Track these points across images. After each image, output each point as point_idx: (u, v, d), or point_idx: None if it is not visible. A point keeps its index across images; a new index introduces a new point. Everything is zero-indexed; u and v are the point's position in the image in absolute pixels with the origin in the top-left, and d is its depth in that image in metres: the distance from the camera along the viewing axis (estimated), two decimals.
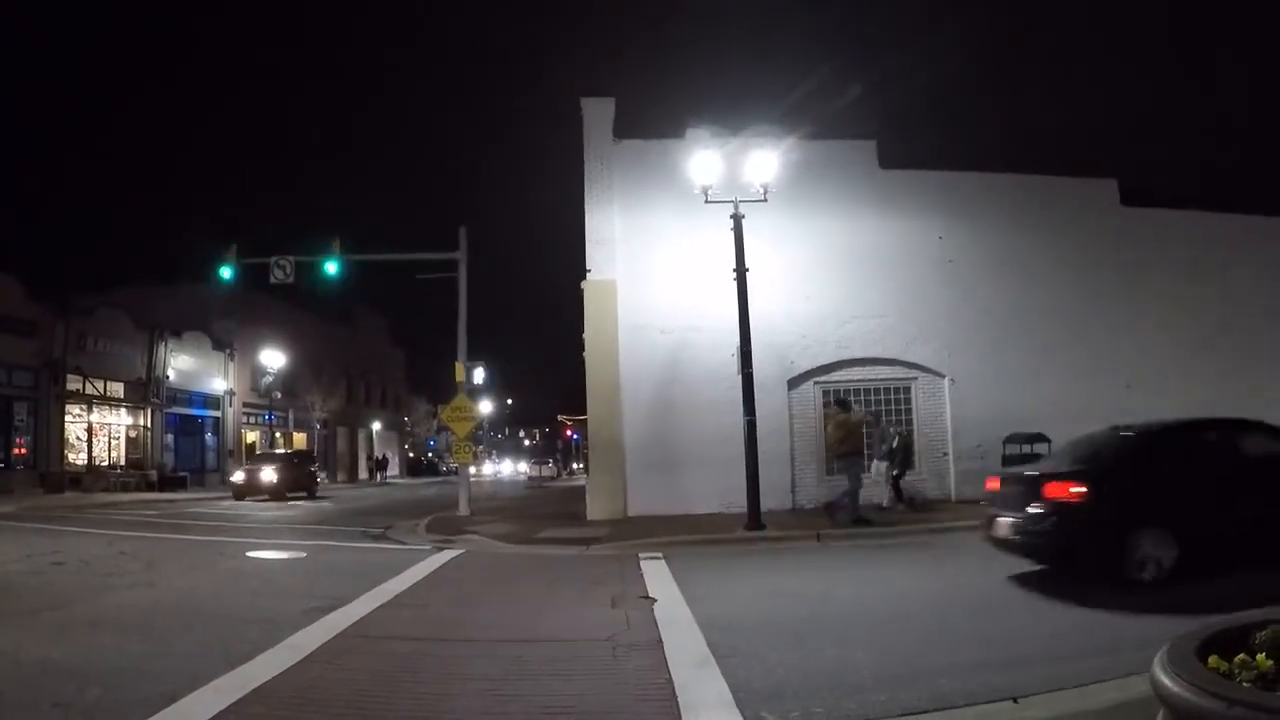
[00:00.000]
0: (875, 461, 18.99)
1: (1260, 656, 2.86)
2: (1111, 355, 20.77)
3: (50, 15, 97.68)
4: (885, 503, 18.52)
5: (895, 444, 18.87)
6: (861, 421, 17.96)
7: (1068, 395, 20.13)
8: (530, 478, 67.51)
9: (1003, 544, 10.26)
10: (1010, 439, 19.45)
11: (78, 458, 36.66)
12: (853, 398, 20.16)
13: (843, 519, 16.15)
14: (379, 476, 61.53)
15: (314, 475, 38.51)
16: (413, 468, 78.38)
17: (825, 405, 20.27)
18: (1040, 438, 19.08)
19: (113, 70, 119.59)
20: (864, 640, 7.33)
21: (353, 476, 61.50)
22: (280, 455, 38.80)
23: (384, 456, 66.03)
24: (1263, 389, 21.27)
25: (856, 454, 17.30)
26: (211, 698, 5.84)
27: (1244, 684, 2.75)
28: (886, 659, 6.71)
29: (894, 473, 18.85)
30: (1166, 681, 2.81)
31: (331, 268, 24.95)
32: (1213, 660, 2.91)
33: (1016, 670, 6.21)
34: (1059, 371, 20.48)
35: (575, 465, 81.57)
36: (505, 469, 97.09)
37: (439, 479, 63.65)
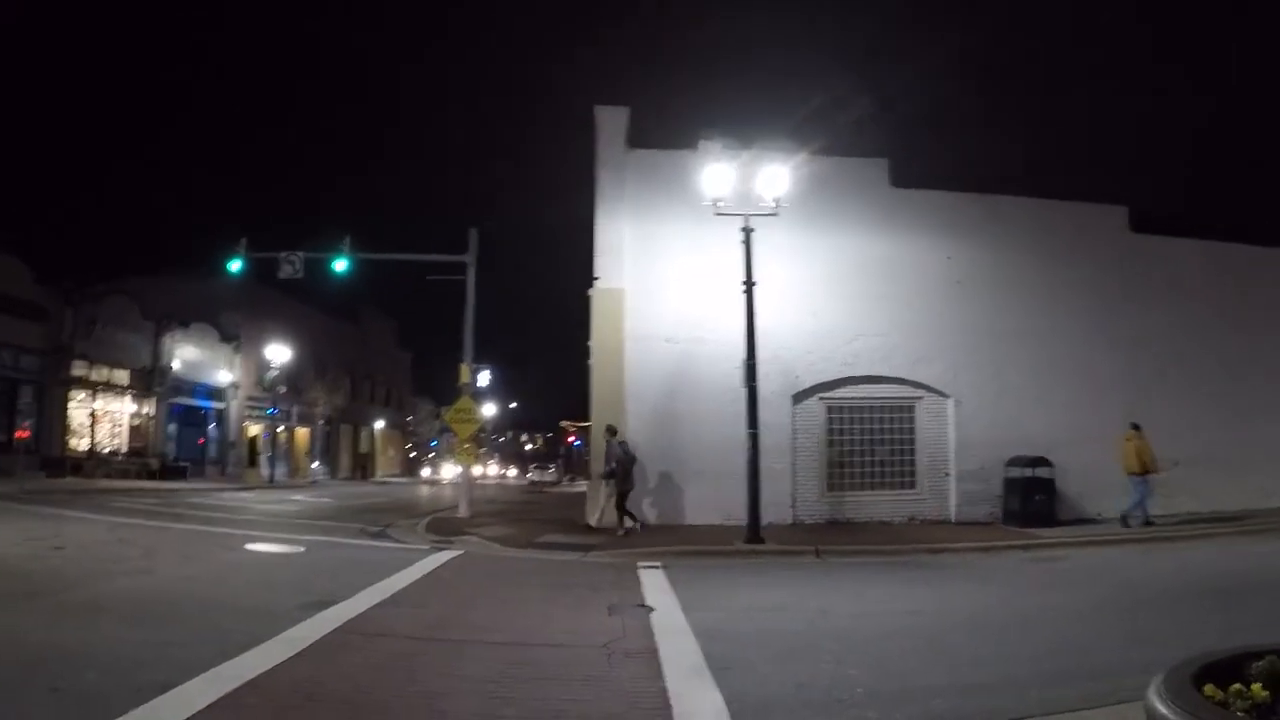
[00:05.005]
0: (602, 481, 18.86)
1: (1256, 686, 2.88)
2: (1116, 381, 20.67)
3: (71, 10, 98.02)
4: (603, 524, 18.32)
5: (616, 463, 18.37)
6: None
7: (1071, 420, 20.12)
8: (531, 482, 67.38)
9: None
10: (1012, 462, 19.42)
11: (80, 443, 36.63)
12: (856, 416, 20.27)
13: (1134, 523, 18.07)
14: (368, 475, 61.45)
15: None
16: (412, 468, 78.39)
17: (830, 421, 20.30)
18: (1043, 461, 19.04)
19: (131, 61, 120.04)
20: (859, 657, 7.32)
21: (358, 474, 61.48)
22: None
23: (369, 454, 66.13)
24: (1270, 420, 21.27)
25: None
26: (206, 687, 5.87)
27: (1239, 713, 2.76)
28: (880, 677, 6.71)
29: (613, 494, 18.39)
30: (1162, 709, 2.82)
31: (340, 265, 25.04)
32: (1208, 689, 2.92)
33: (1011, 693, 6.21)
34: (1063, 396, 20.44)
35: (565, 474, 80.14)
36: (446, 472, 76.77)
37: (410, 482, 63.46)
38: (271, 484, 42.38)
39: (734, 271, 17.15)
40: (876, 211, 20.64)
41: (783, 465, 19.47)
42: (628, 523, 18.01)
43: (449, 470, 63.62)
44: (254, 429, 50.81)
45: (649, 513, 19.12)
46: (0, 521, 16.14)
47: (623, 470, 18.23)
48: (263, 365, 47.58)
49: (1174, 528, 18.01)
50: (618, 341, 20.02)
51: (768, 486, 17.04)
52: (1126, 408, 20.02)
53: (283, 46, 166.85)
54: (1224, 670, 3.09)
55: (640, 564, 13.35)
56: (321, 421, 56.20)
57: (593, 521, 18.15)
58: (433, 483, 57.02)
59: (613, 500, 18.30)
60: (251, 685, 6.01)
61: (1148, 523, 18.13)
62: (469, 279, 24.80)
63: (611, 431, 18.83)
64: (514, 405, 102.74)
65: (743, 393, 16.70)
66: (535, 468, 77.23)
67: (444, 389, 58.83)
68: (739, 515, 16.75)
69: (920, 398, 20.65)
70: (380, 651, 7.31)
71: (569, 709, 5.81)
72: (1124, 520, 18.18)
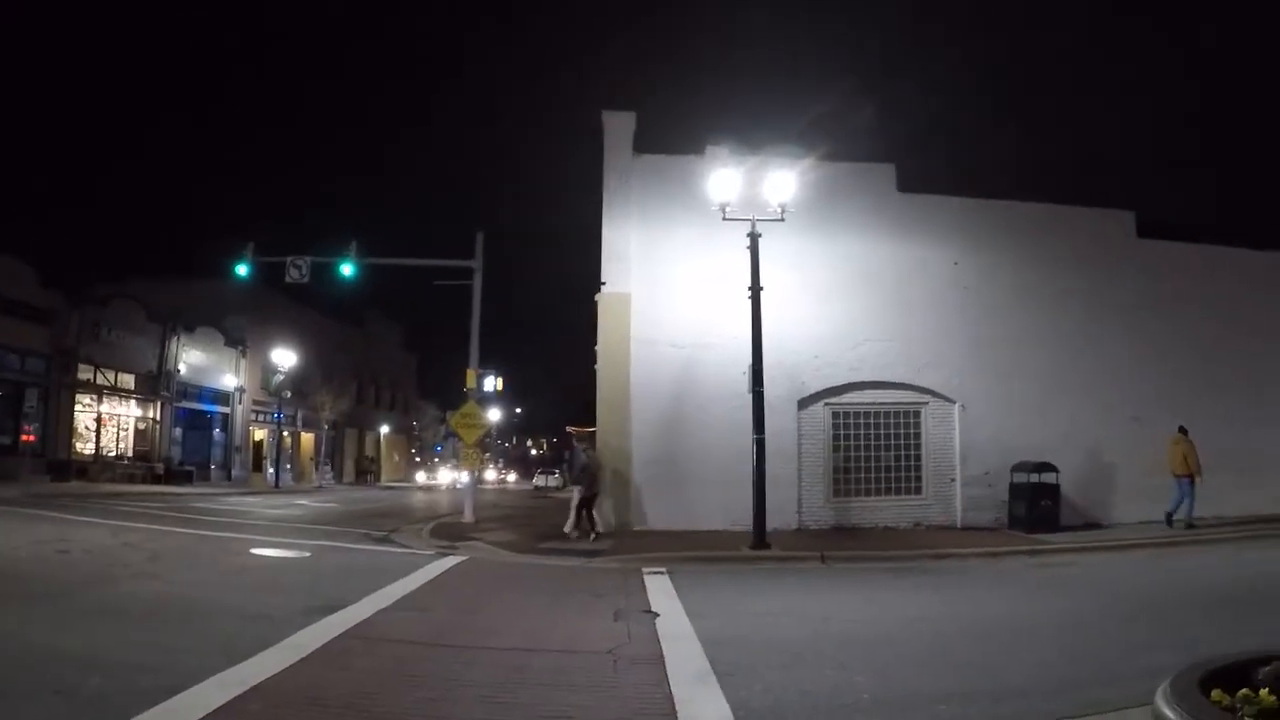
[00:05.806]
0: (574, 486, 19.13)
1: (1264, 692, 2.86)
2: (1122, 388, 20.62)
3: (77, 10, 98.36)
4: (570, 530, 18.28)
5: (582, 469, 18.81)
6: None
7: (1077, 426, 20.08)
8: (536, 488, 67.41)
9: None
10: (1018, 467, 19.37)
11: (85, 447, 36.71)
12: (861, 421, 20.23)
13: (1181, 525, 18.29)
14: (369, 479, 61.75)
15: None
16: (416, 472, 78.59)
17: (836, 427, 20.26)
18: (1048, 467, 18.98)
19: (138, 65, 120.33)
20: (864, 663, 7.30)
21: (364, 478, 61.61)
22: None
23: (372, 459, 66.70)
24: (1274, 426, 21.15)
25: None
26: (211, 692, 5.87)
27: (1247, 718, 2.75)
28: (886, 683, 6.70)
29: (582, 497, 18.60)
30: (1170, 715, 2.81)
31: (347, 270, 25.08)
32: (1215, 694, 2.91)
33: (1015, 700, 6.20)
34: (1069, 402, 20.38)
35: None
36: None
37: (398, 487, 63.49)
38: (277, 488, 42.42)
39: (740, 277, 17.16)
40: (883, 217, 20.63)
41: (788, 471, 19.43)
42: (580, 528, 18.19)
43: (446, 475, 63.83)
44: (260, 433, 50.90)
45: (658, 517, 19.19)
46: (5, 525, 16.18)
47: (588, 476, 18.45)
48: (268, 369, 47.61)
49: (1184, 533, 17.93)
50: (624, 346, 20.04)
51: (773, 492, 17.01)
52: (1133, 414, 20.03)
53: (290, 50, 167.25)
54: (1231, 675, 3.08)
55: (645, 569, 13.33)
56: (327, 426, 56.22)
57: (567, 530, 18.23)
58: (430, 488, 57.14)
59: (582, 504, 18.48)
60: (256, 690, 6.00)
61: (1190, 525, 18.24)
62: (475, 284, 24.80)
63: (579, 438, 18.94)
64: (519, 410, 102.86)
65: (748, 398, 16.70)
66: (540, 473, 77.27)
67: (449, 392, 58.99)
68: (744, 521, 16.74)
69: (926, 403, 20.61)
70: (385, 657, 7.30)
71: (574, 715, 5.80)
72: (1168, 520, 18.44)
